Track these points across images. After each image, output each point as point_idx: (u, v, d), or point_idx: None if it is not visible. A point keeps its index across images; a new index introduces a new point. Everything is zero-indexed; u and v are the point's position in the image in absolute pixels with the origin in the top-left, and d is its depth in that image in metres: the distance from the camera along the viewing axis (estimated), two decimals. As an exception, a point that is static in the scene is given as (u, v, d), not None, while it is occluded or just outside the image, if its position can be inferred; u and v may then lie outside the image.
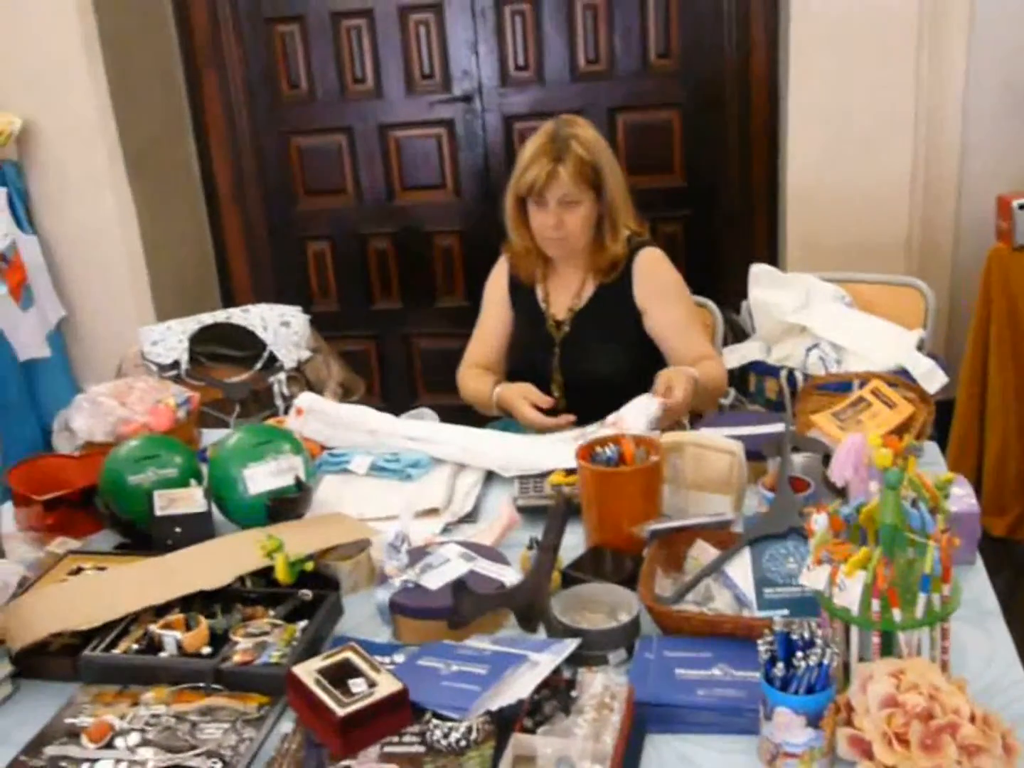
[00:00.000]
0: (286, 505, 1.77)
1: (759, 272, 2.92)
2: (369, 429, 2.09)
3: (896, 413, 1.89)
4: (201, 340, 2.85)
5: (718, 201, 3.81)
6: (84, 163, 3.57)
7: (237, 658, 1.41)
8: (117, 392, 2.20)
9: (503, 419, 2.34)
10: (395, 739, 1.24)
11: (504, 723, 1.24)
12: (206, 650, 1.44)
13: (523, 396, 2.17)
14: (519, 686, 1.27)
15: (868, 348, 2.65)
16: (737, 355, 2.84)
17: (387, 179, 3.97)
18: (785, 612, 1.36)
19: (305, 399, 2.15)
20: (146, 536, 1.76)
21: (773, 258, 3.59)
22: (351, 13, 3.78)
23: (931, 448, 1.93)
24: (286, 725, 1.31)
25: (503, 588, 1.49)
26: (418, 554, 1.58)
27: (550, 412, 2.14)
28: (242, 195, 4.08)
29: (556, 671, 1.30)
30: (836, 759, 1.16)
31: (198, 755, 1.26)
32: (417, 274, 4.08)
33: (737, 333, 2.92)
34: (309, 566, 1.58)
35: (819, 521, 1.27)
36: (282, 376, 2.81)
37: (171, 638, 1.43)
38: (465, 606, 1.42)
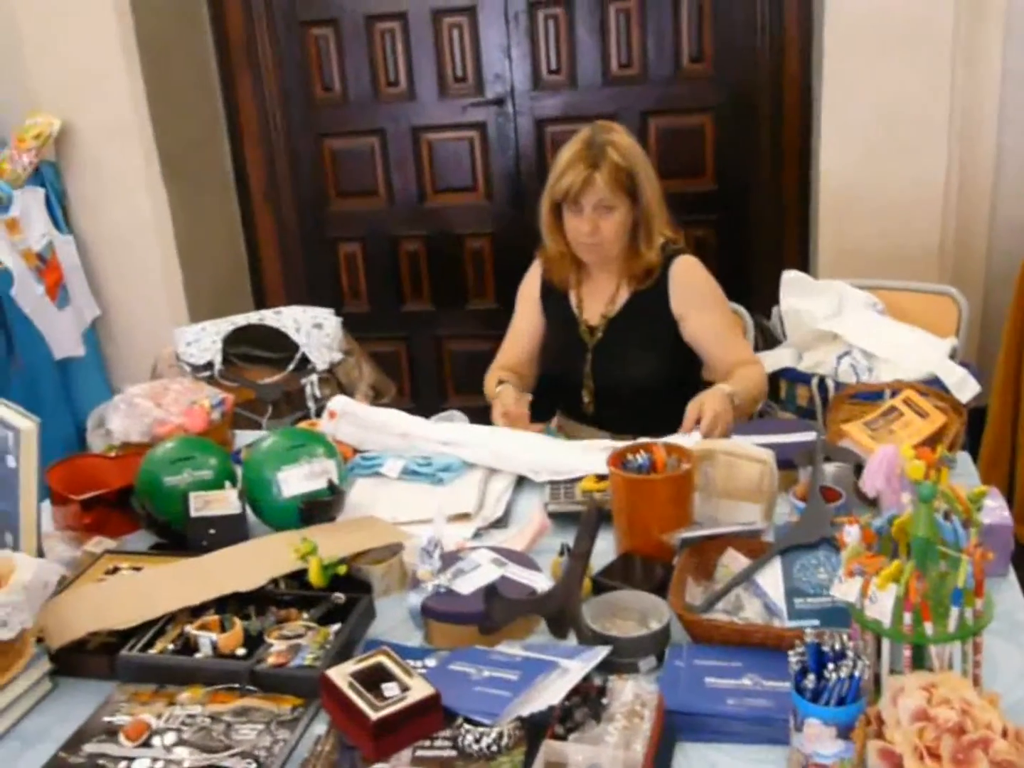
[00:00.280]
0: (319, 508, 1.79)
1: (791, 279, 2.92)
2: (401, 432, 2.11)
3: (928, 423, 1.88)
4: (234, 341, 2.88)
5: (749, 205, 3.80)
6: (121, 164, 3.61)
7: (271, 660, 1.42)
8: (153, 393, 2.22)
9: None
10: (427, 743, 1.26)
11: (535, 729, 1.25)
12: (241, 651, 1.46)
13: (502, 403, 2.18)
14: (550, 692, 1.28)
15: (900, 356, 2.64)
16: (768, 361, 2.81)
17: (419, 181, 3.99)
18: (815, 623, 1.36)
19: (338, 402, 2.16)
20: (181, 537, 1.78)
21: (804, 263, 3.57)
22: (385, 16, 3.80)
23: (963, 458, 1.92)
24: (319, 727, 1.32)
25: (534, 594, 1.50)
26: (450, 559, 1.59)
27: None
28: (275, 197, 4.11)
29: (587, 678, 1.30)
30: (866, 771, 1.16)
31: (233, 755, 1.27)
32: (448, 276, 4.09)
33: (768, 339, 2.91)
34: (342, 569, 1.59)
35: (851, 533, 1.27)
36: (314, 378, 2.83)
37: (207, 639, 1.45)
38: (497, 612, 1.42)
